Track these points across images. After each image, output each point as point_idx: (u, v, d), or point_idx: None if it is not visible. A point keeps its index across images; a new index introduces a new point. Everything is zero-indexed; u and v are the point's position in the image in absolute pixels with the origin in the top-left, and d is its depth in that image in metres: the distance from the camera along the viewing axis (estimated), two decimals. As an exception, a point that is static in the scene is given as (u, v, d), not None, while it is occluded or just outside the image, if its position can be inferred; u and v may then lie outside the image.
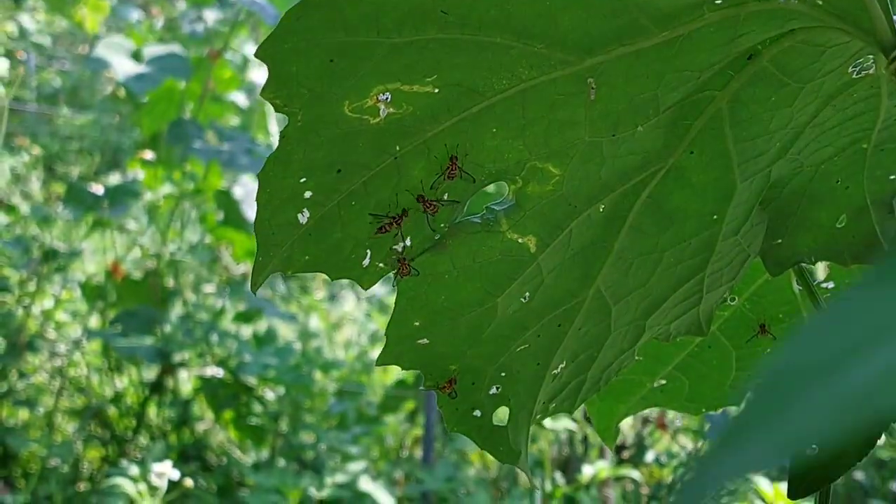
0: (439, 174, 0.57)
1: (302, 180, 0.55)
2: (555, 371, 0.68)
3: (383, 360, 0.63)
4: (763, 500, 2.48)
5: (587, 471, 2.51)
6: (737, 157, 0.62)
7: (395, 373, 3.78)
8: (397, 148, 0.56)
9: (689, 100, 0.59)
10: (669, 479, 3.35)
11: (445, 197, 0.58)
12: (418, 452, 3.62)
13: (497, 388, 0.67)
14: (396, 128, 0.55)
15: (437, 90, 0.54)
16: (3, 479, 2.94)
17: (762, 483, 2.40)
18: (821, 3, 0.55)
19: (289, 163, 0.54)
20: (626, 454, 3.31)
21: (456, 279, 0.61)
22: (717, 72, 0.59)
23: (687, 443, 3.53)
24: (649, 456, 3.36)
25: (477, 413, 0.67)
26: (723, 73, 0.59)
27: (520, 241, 0.61)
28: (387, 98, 0.53)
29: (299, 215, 0.56)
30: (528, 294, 0.63)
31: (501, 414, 0.68)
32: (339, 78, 0.51)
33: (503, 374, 0.66)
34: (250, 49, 3.64)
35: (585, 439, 3.30)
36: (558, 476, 2.71)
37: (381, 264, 0.60)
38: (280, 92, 0.51)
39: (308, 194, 0.55)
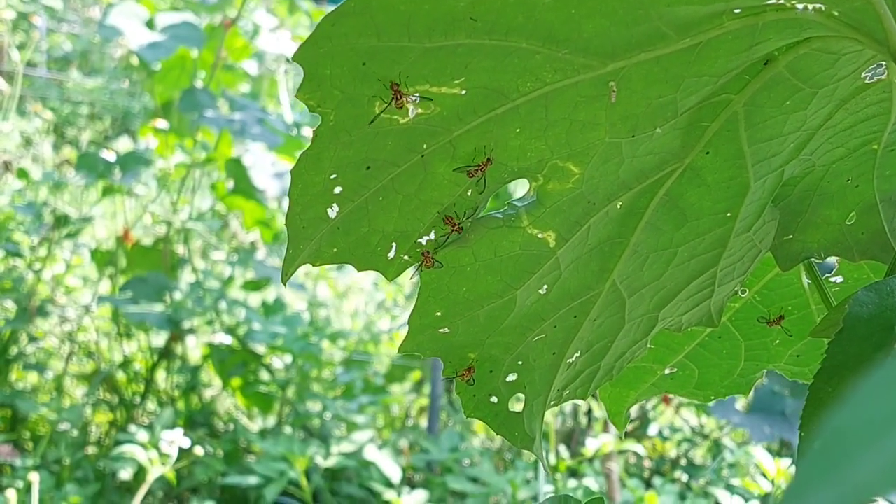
0: (462, 169, 0.59)
1: (332, 176, 0.57)
2: (570, 360, 0.70)
3: (406, 348, 0.65)
4: (764, 475, 2.51)
5: (591, 444, 2.54)
6: (751, 158, 0.64)
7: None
8: (424, 146, 0.58)
9: (706, 103, 0.61)
10: (672, 452, 3.38)
11: (469, 193, 0.61)
12: (424, 422, 3.65)
13: (514, 376, 0.69)
14: (424, 127, 0.57)
15: (464, 92, 0.56)
16: (12, 443, 2.97)
17: (763, 458, 2.42)
18: (836, 13, 0.56)
19: (320, 160, 0.56)
20: (629, 427, 3.34)
21: (477, 272, 0.63)
22: (735, 76, 0.60)
23: (690, 417, 3.56)
24: (652, 429, 3.40)
25: (494, 399, 0.69)
26: (740, 78, 0.61)
27: (539, 236, 0.63)
28: (415, 99, 0.55)
29: (329, 210, 0.58)
30: (546, 287, 0.66)
31: (517, 400, 0.70)
32: (370, 80, 0.53)
33: (520, 363, 0.69)
34: (261, 16, 3.64)
35: (590, 412, 3.33)
36: (562, 449, 2.74)
37: (405, 256, 0.62)
38: (314, 93, 0.53)
39: (338, 190, 0.57)
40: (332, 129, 0.55)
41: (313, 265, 0.60)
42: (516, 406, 0.71)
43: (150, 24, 3.13)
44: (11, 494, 2.00)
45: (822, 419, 0.54)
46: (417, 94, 0.55)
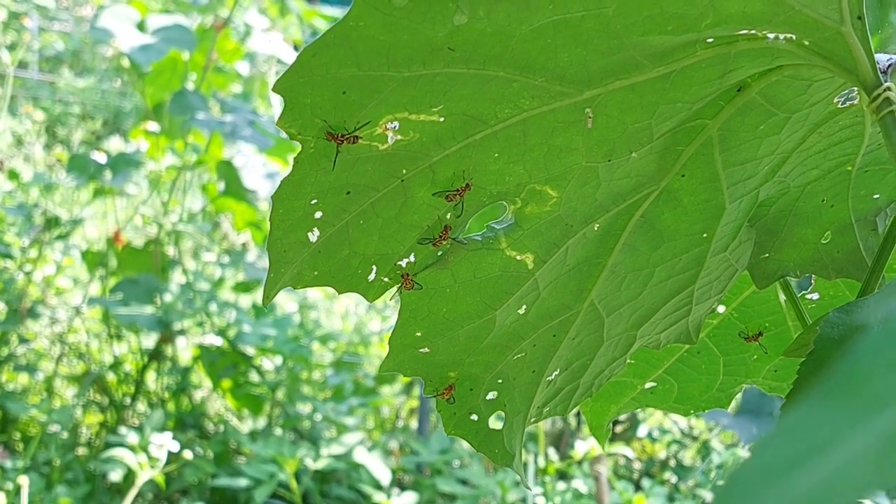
0: (441, 194, 0.60)
1: (313, 202, 0.58)
2: (549, 378, 0.72)
3: (387, 368, 0.66)
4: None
5: (580, 447, 2.55)
6: (726, 181, 0.66)
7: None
8: (404, 171, 0.59)
9: (681, 128, 0.62)
10: (661, 454, 3.39)
11: (448, 216, 0.62)
12: (413, 423, 3.66)
13: (494, 394, 0.70)
14: (403, 153, 0.58)
15: (442, 119, 0.57)
16: (2, 444, 2.97)
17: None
18: (807, 43, 0.57)
19: (301, 186, 0.57)
20: (618, 429, 3.35)
21: (457, 293, 0.65)
22: (709, 102, 0.62)
23: (679, 418, 3.57)
24: (642, 431, 3.41)
25: (474, 417, 0.71)
26: (714, 104, 0.62)
27: (518, 258, 0.64)
28: (395, 126, 0.56)
29: (310, 234, 0.59)
30: (525, 307, 0.67)
31: (497, 418, 0.72)
32: (350, 108, 0.54)
33: (500, 381, 0.70)
34: (252, 17, 3.65)
35: (578, 414, 3.33)
36: (551, 451, 2.75)
37: (386, 279, 0.63)
38: (295, 122, 0.54)
39: (318, 214, 0.58)
40: (312, 155, 0.56)
41: (294, 288, 0.61)
42: (496, 423, 0.72)
43: (141, 27, 3.14)
44: (1, 497, 2.00)
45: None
46: (397, 122, 0.56)
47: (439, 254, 0.63)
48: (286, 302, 4.17)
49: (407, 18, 0.52)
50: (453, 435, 0.70)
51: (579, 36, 0.55)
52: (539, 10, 0.53)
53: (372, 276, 0.63)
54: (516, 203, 0.62)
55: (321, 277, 0.62)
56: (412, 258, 0.63)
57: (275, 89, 0.53)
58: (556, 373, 0.72)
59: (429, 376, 0.68)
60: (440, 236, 0.62)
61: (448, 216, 0.62)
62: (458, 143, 0.58)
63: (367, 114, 0.55)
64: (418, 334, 0.65)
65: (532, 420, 0.74)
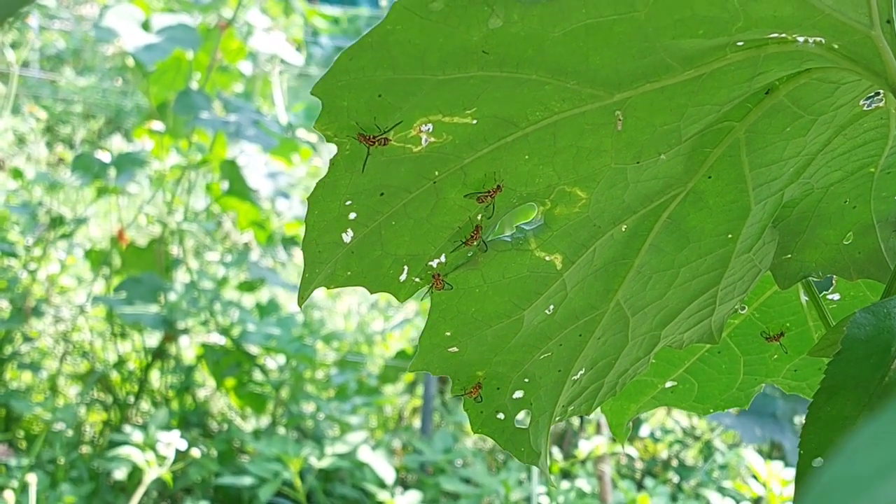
0: (473, 195, 0.61)
1: (347, 203, 0.58)
2: (574, 377, 0.72)
3: (416, 367, 0.67)
4: (755, 477, 2.53)
5: (584, 446, 2.56)
6: (752, 182, 0.66)
7: (395, 344, 3.82)
8: (436, 173, 0.59)
9: (708, 130, 0.63)
10: (664, 453, 3.40)
11: (479, 217, 0.62)
12: (417, 422, 3.66)
13: (520, 393, 0.71)
14: (436, 155, 0.58)
15: (475, 121, 0.57)
16: (7, 443, 2.98)
17: (754, 461, 2.45)
18: (836, 46, 0.58)
19: (336, 187, 0.58)
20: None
21: (486, 293, 0.65)
22: (737, 105, 0.62)
23: (681, 418, 3.58)
24: (644, 430, 3.41)
25: (500, 416, 0.71)
26: (742, 106, 0.63)
27: (547, 258, 0.65)
28: (429, 129, 0.57)
29: (344, 235, 0.60)
30: (552, 307, 0.68)
31: (522, 416, 0.72)
32: (385, 111, 0.55)
33: (526, 380, 0.70)
34: (255, 16, 3.65)
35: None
36: (555, 450, 2.75)
37: (417, 279, 0.64)
38: (332, 124, 0.55)
39: (353, 216, 0.59)
40: (347, 157, 0.57)
41: (328, 288, 0.62)
42: (523, 422, 0.72)
43: (145, 26, 3.14)
44: (9, 496, 2.01)
45: (821, 438, 0.56)
46: (430, 124, 0.57)
47: (469, 254, 0.64)
48: (290, 301, 4.17)
49: (443, 22, 0.52)
50: (480, 433, 0.71)
51: (611, 39, 0.55)
52: (572, 13, 0.53)
53: (403, 277, 0.64)
54: (546, 204, 0.63)
55: (354, 277, 0.62)
56: (443, 259, 0.64)
57: (313, 92, 0.53)
58: (582, 372, 0.73)
59: (457, 375, 0.69)
60: (472, 236, 0.63)
61: (479, 217, 0.62)
62: (489, 145, 0.59)
63: (402, 116, 0.56)
64: (448, 334, 0.66)
65: (557, 419, 0.74)
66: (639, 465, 3.38)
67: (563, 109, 0.59)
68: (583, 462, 2.91)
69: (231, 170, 3.29)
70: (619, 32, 0.55)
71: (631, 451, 2.95)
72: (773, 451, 3.26)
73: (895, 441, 0.21)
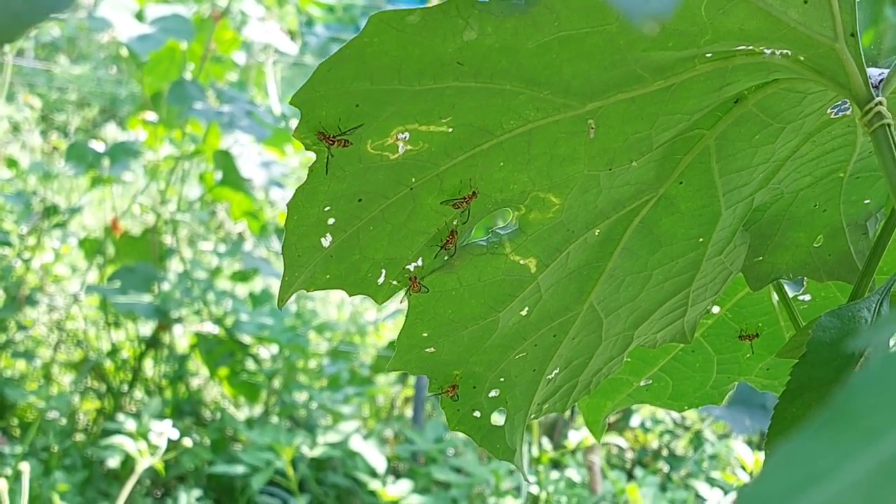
0: (449, 202, 0.63)
1: (326, 209, 0.60)
2: (549, 376, 0.74)
3: (394, 367, 0.69)
4: (744, 468, 2.55)
5: (574, 436, 2.58)
6: (722, 188, 0.68)
7: (387, 334, 3.84)
8: (413, 180, 0.61)
9: (679, 137, 0.65)
10: (654, 443, 3.42)
11: (455, 223, 0.64)
12: (409, 412, 3.68)
13: (496, 392, 0.73)
14: (413, 163, 0.60)
15: (450, 130, 0.59)
16: (0, 430, 2.99)
17: (743, 451, 2.47)
18: (802, 58, 0.60)
19: (315, 194, 0.59)
20: (612, 419, 3.38)
21: (462, 296, 0.67)
22: (707, 113, 0.64)
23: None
24: (634, 420, 3.43)
25: (477, 414, 0.73)
26: (711, 115, 0.64)
27: (521, 262, 0.67)
28: (405, 137, 0.58)
29: (323, 239, 0.61)
30: (527, 309, 0.69)
31: (499, 414, 0.74)
32: (363, 120, 0.57)
33: (502, 380, 0.72)
34: (249, 5, 3.65)
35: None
36: (545, 441, 2.77)
37: (394, 282, 0.66)
38: (310, 133, 0.57)
39: (331, 221, 0.61)
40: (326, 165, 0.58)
41: (308, 290, 0.64)
42: (498, 420, 0.74)
43: (139, 16, 3.15)
44: (3, 483, 2.02)
45: (784, 439, 0.58)
46: (407, 133, 0.58)
47: (446, 258, 0.66)
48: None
49: (419, 35, 0.54)
50: (457, 430, 0.73)
51: (583, 51, 0.57)
52: (545, 26, 0.55)
53: (381, 280, 0.65)
54: (520, 210, 0.65)
55: (333, 280, 0.64)
56: (420, 262, 0.65)
57: (292, 102, 0.55)
58: (556, 371, 0.74)
59: (434, 375, 0.70)
60: (447, 240, 0.64)
61: (455, 222, 0.64)
62: (465, 152, 0.61)
63: (379, 125, 0.57)
64: (425, 335, 0.68)
65: (532, 416, 0.76)
66: (629, 455, 3.40)
67: (536, 118, 0.60)
68: (573, 452, 2.93)
69: (225, 160, 3.29)
70: (591, 45, 0.57)
71: (621, 441, 2.97)
72: (761, 442, 3.28)
73: (811, 460, 0.23)
